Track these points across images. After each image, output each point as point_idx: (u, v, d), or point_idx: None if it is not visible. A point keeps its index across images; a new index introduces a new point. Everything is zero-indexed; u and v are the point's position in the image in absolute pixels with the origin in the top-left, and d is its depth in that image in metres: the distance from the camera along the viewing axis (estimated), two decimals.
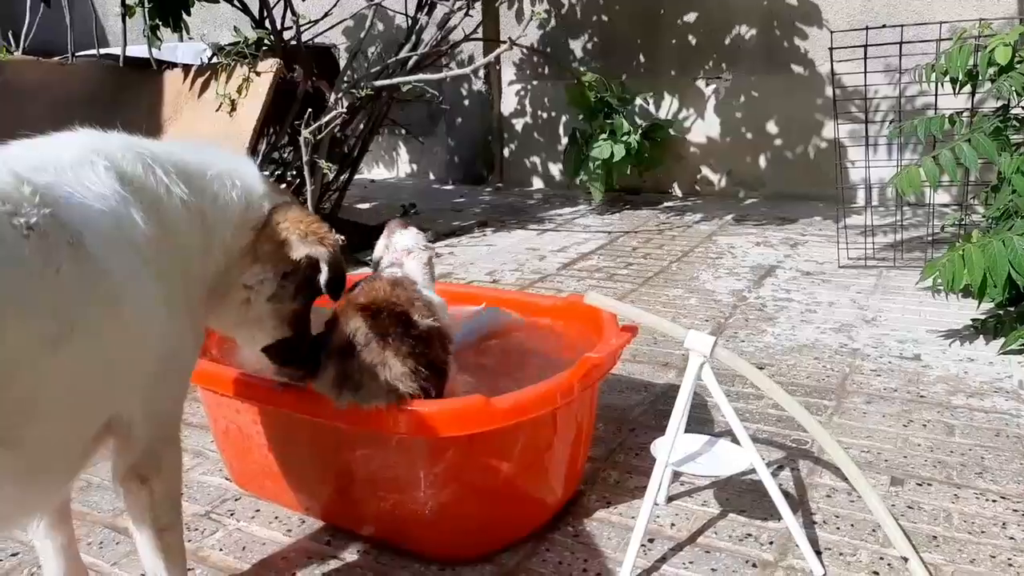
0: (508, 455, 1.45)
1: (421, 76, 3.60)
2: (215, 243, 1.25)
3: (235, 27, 3.55)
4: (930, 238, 3.50)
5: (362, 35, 3.81)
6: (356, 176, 4.63)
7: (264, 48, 3.53)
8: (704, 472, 1.49)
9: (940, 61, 2.66)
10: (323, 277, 1.32)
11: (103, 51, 4.48)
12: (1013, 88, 2.38)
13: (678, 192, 5.30)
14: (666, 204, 5.02)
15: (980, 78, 2.61)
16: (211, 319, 1.36)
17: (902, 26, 2.80)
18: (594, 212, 4.84)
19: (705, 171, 5.21)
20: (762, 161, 5.03)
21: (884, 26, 2.86)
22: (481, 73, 5.51)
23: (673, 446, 1.42)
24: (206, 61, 3.99)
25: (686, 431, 1.59)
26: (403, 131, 5.44)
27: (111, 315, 1.01)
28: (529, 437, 1.46)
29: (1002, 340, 2.46)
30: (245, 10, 3.71)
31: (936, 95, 2.83)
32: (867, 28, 2.84)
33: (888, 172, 3.49)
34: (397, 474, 1.43)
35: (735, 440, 1.49)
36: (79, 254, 0.97)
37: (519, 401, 1.36)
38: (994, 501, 1.66)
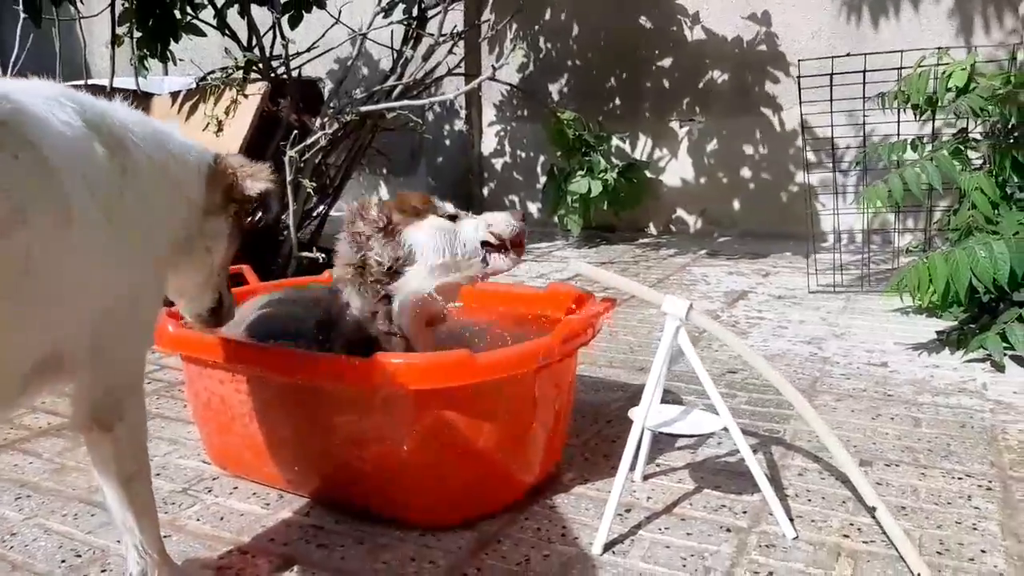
0: (489, 416, 1.47)
1: (405, 102, 3.70)
2: (180, 202, 1.28)
3: (225, 48, 3.65)
4: (895, 268, 3.62)
5: (349, 63, 3.92)
6: (339, 212, 4.69)
7: (253, 71, 3.62)
8: (679, 432, 1.53)
9: (901, 88, 2.81)
10: (270, 212, 1.40)
11: (91, 82, 4.55)
12: (971, 108, 2.51)
13: (653, 231, 5.41)
14: (641, 241, 5.12)
15: (939, 103, 2.75)
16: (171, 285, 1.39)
17: (865, 55, 2.95)
18: (571, 246, 4.93)
19: (680, 211, 5.33)
20: (734, 201, 5.17)
21: (848, 54, 3.02)
22: (463, 114, 5.64)
23: (649, 408, 1.46)
24: None
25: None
26: (383, 169, 5.54)
27: (60, 224, 0.99)
28: (510, 399, 1.49)
29: (965, 351, 2.54)
30: (234, 37, 3.80)
31: (899, 122, 2.98)
32: (832, 57, 3.00)
33: (856, 217, 3.66)
34: (380, 434, 1.45)
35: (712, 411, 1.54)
36: (36, 155, 0.96)
37: (502, 357, 1.40)
38: (959, 479, 1.71)
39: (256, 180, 1.37)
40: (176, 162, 1.27)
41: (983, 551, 1.43)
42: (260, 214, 1.41)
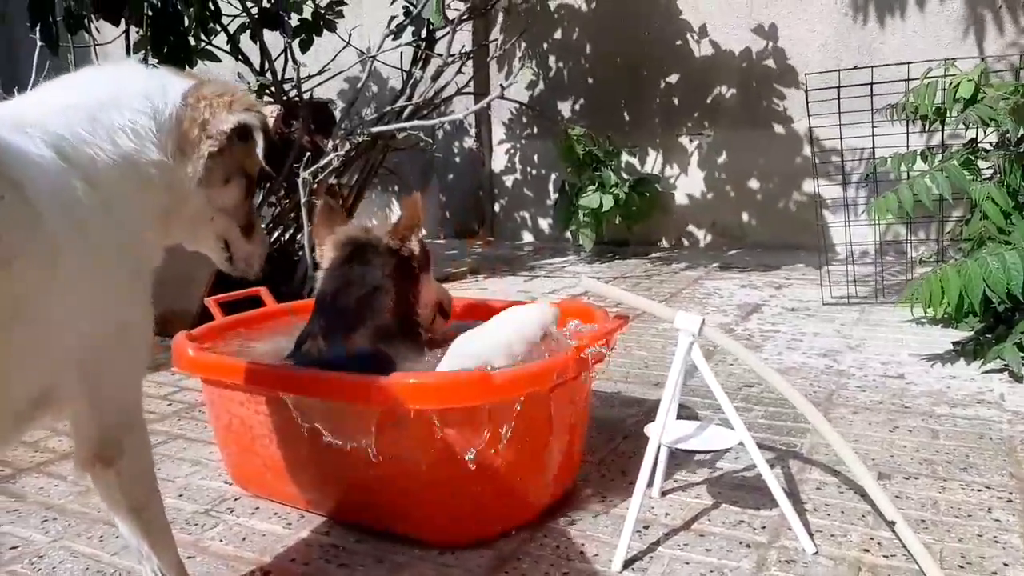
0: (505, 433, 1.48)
1: (415, 123, 3.73)
2: (153, 181, 1.15)
3: (239, 73, 3.70)
4: (909, 279, 3.61)
5: (359, 85, 3.97)
6: None
7: (266, 94, 3.67)
8: (695, 448, 1.53)
9: (909, 99, 2.82)
10: (259, 148, 1.21)
11: None
12: (979, 118, 2.52)
13: (665, 244, 5.42)
14: (654, 255, 5.13)
15: (948, 114, 2.76)
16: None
17: (872, 67, 2.97)
18: (583, 261, 4.95)
19: (690, 224, 5.35)
20: (745, 213, 5.18)
21: (856, 67, 3.03)
22: (473, 132, 5.69)
23: (665, 424, 1.47)
24: None
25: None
26: (395, 188, 5.59)
27: (47, 263, 0.97)
28: (526, 417, 1.50)
29: (982, 361, 2.53)
30: (247, 62, 3.86)
31: (908, 133, 2.98)
32: (839, 70, 3.02)
33: (868, 228, 3.66)
34: (396, 453, 1.46)
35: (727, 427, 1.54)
36: (21, 195, 0.93)
37: (518, 375, 1.41)
38: (979, 491, 1.70)
39: (232, 111, 1.19)
40: (138, 140, 1.12)
41: (1005, 564, 1.42)
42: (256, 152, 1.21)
